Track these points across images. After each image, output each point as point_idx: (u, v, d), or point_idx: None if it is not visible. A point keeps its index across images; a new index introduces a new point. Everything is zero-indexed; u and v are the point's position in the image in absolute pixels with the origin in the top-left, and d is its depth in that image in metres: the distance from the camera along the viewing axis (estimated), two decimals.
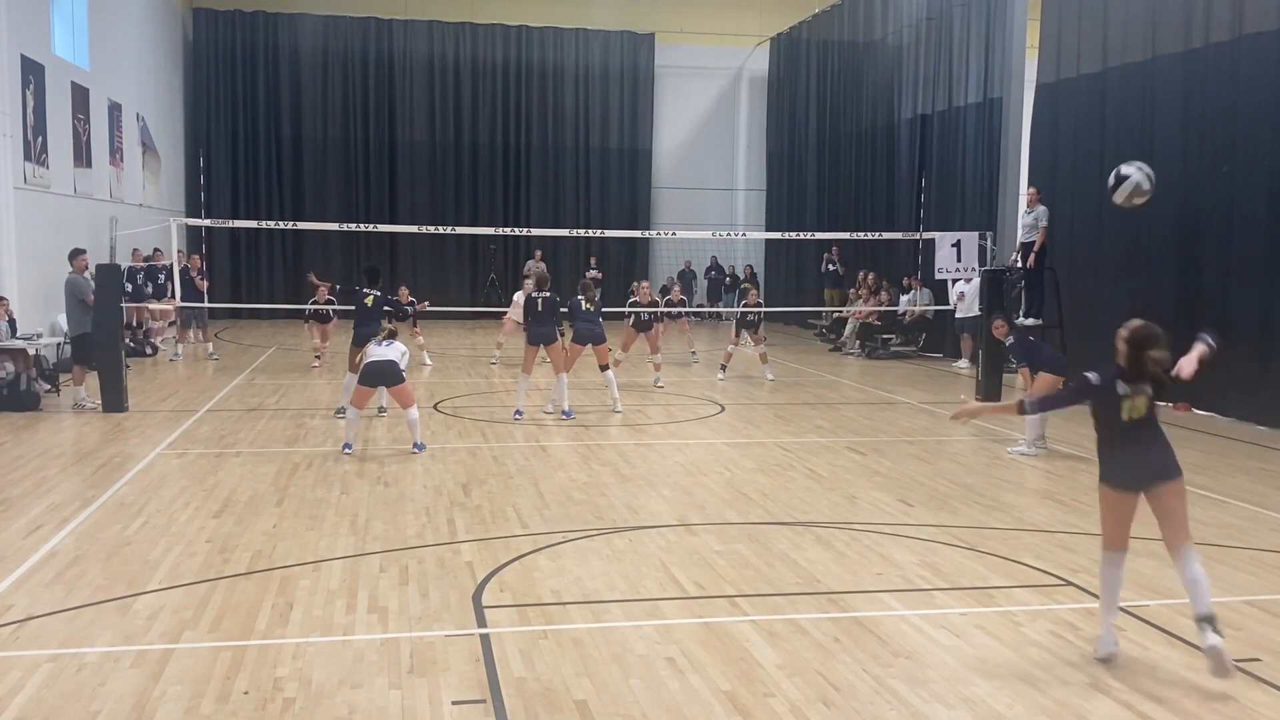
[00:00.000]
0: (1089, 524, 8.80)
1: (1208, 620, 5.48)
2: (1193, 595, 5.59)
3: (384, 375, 11.33)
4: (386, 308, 13.87)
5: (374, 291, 13.54)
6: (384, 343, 11.52)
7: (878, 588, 7.09)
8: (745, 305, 18.25)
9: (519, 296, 19.43)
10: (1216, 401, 14.34)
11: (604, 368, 14.13)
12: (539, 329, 13.51)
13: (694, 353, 20.08)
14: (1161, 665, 5.82)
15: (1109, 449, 5.79)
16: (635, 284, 19.18)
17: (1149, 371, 5.70)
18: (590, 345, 13.92)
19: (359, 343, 12.92)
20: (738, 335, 18.19)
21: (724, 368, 17.77)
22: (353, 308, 13.74)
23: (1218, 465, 11.26)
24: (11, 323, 14.72)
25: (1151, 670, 5.74)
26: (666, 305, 19.31)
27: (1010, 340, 12.09)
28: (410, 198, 29.48)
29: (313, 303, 18.18)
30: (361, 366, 11.58)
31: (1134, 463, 5.72)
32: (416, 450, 11.30)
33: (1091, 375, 5.79)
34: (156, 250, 20.48)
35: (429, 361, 18.77)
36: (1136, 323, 5.76)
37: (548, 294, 13.68)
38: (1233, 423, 13.78)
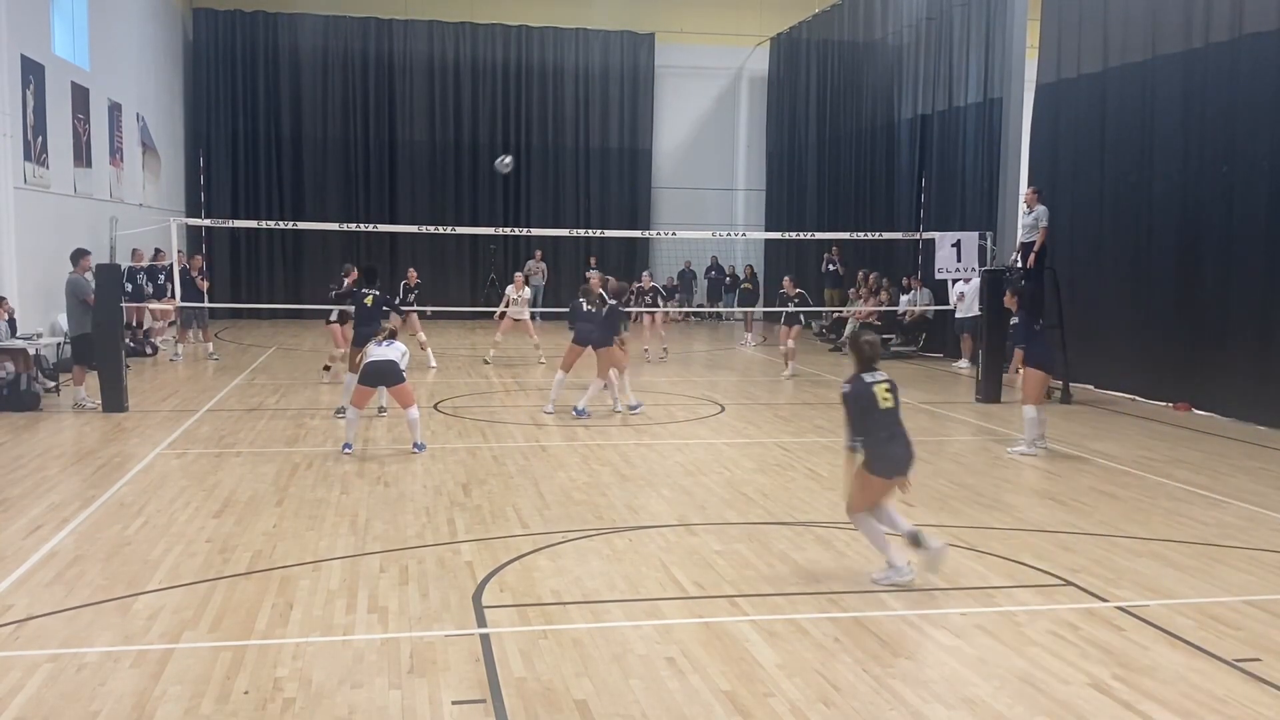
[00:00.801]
0: (1089, 524, 8.81)
1: (916, 534, 6.90)
2: (896, 524, 7.04)
3: (384, 375, 11.31)
4: (385, 308, 13.88)
5: (373, 291, 13.55)
6: (384, 343, 11.49)
7: (878, 588, 7.09)
8: (783, 294, 18.32)
9: (510, 291, 19.42)
10: (1216, 401, 14.35)
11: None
12: (584, 327, 13.97)
13: (665, 350, 20.01)
14: (1161, 665, 5.82)
15: (878, 445, 6.89)
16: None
17: (871, 355, 7.01)
18: (590, 347, 13.95)
19: (359, 343, 12.94)
20: (790, 330, 18.21)
21: (788, 362, 18.10)
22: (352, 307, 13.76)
23: (1218, 465, 11.26)
24: (11, 323, 14.72)
25: (1151, 670, 5.75)
26: (638, 295, 18.90)
27: (1016, 320, 11.95)
28: (410, 198, 29.48)
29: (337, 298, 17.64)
30: (361, 366, 11.57)
31: (898, 457, 6.94)
32: (416, 450, 11.29)
33: (848, 385, 6.99)
34: (159, 251, 20.45)
35: (434, 364, 18.72)
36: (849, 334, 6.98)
37: (614, 302, 14.09)
38: (1232, 423, 13.77)
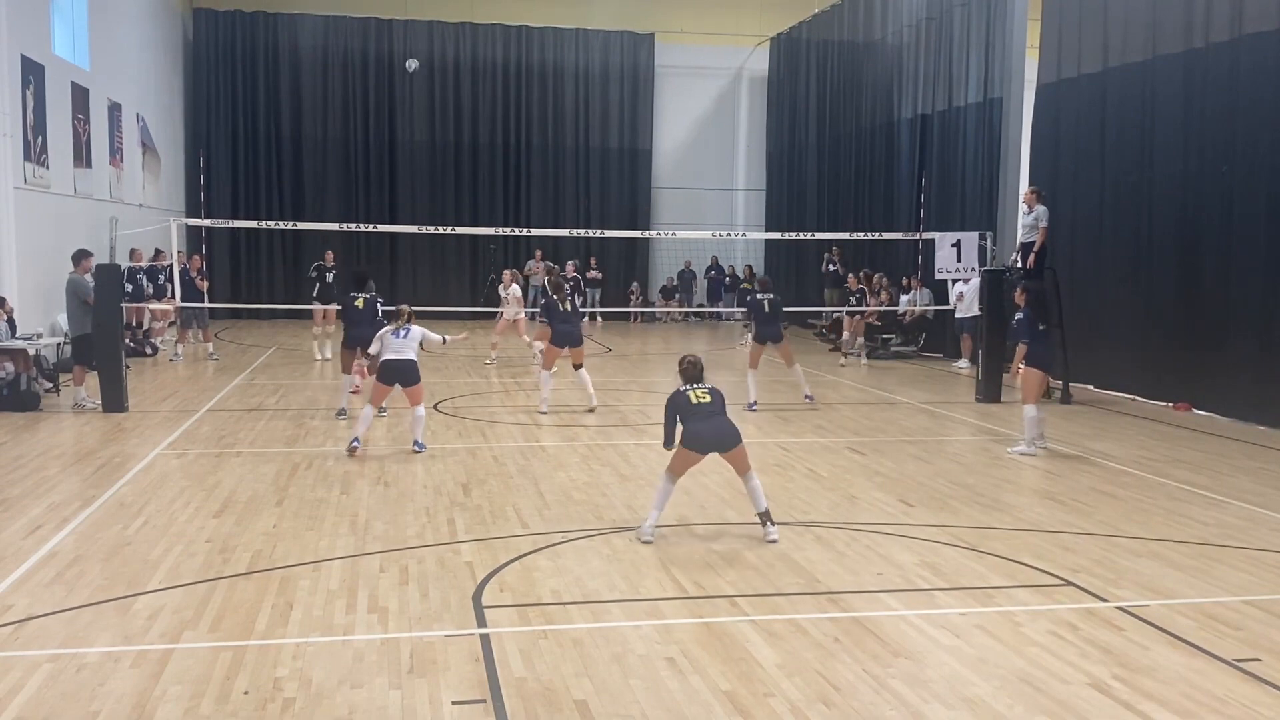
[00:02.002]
0: (1090, 524, 8.81)
1: (765, 515, 8.16)
2: (754, 497, 8.18)
3: (403, 374, 11.13)
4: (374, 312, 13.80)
5: (363, 295, 13.57)
6: (401, 332, 11.15)
7: (878, 588, 7.09)
8: (845, 288, 19.25)
9: (500, 290, 19.27)
10: (1216, 402, 14.34)
11: (577, 367, 14.14)
12: (767, 329, 14.48)
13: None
14: (1162, 665, 5.82)
15: (689, 425, 8.15)
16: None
17: (689, 371, 8.49)
18: (568, 347, 13.98)
19: (350, 345, 13.01)
20: (851, 321, 19.74)
21: (845, 354, 20.13)
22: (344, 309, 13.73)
23: (1218, 465, 11.26)
24: (11, 323, 14.71)
25: (1151, 670, 5.75)
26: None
27: (1020, 315, 11.83)
28: (410, 198, 29.45)
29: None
30: (380, 363, 11.21)
31: (702, 435, 8.08)
32: (417, 449, 11.27)
33: (673, 394, 8.37)
34: (159, 251, 20.42)
35: (326, 356, 18.74)
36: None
37: (772, 295, 14.64)
38: (1233, 423, 13.77)
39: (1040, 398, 11.77)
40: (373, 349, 11.45)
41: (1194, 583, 7.29)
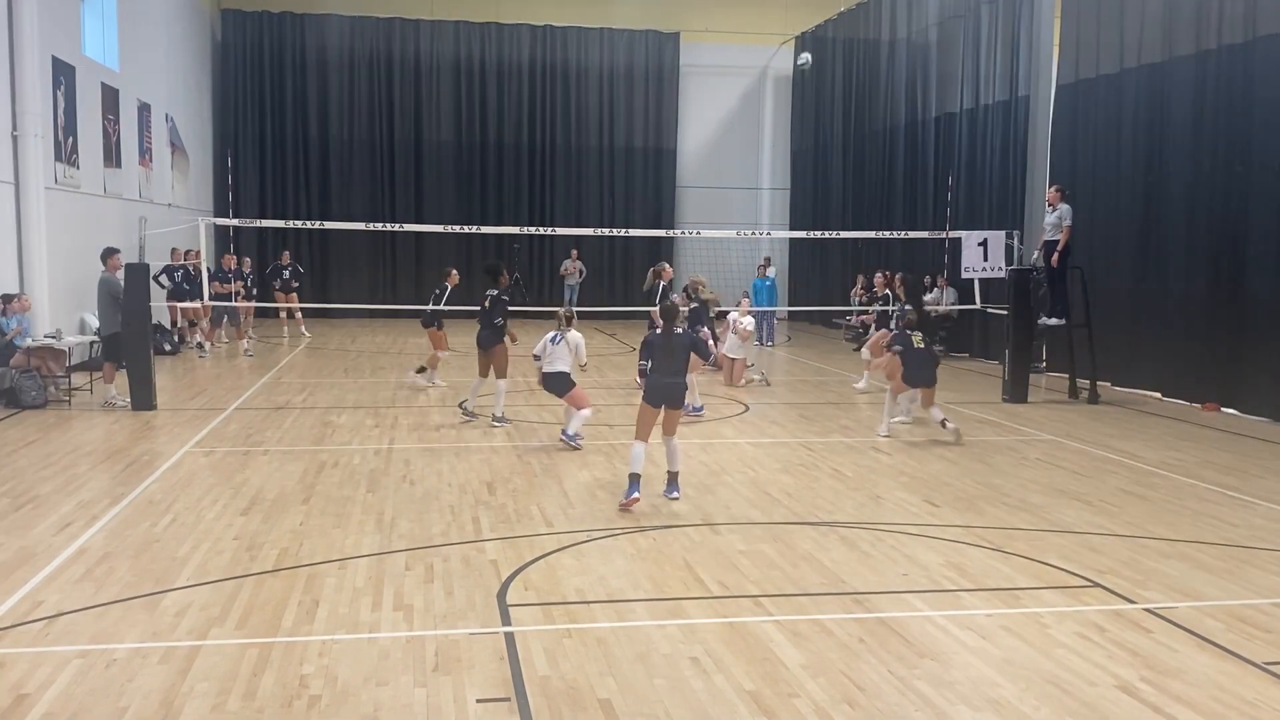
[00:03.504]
0: (1117, 525, 8.75)
1: (673, 476, 9.25)
2: (670, 457, 9.26)
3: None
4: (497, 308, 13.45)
5: (492, 292, 13.41)
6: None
7: (903, 588, 7.07)
8: (875, 292, 17.73)
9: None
10: (1245, 401, 14.23)
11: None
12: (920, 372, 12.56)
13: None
14: (1190, 668, 5.77)
15: (652, 379, 9.14)
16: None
17: (669, 316, 9.35)
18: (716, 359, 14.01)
19: (480, 345, 13.17)
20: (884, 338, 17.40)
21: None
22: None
23: (1246, 466, 11.15)
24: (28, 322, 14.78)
25: (1180, 673, 5.70)
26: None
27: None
28: (436, 197, 29.55)
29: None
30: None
31: (662, 390, 9.06)
32: (566, 439, 11.63)
33: (650, 334, 9.42)
34: (191, 251, 20.49)
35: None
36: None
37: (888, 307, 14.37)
38: (1263, 422, 13.63)
39: None
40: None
41: (1223, 584, 7.23)
